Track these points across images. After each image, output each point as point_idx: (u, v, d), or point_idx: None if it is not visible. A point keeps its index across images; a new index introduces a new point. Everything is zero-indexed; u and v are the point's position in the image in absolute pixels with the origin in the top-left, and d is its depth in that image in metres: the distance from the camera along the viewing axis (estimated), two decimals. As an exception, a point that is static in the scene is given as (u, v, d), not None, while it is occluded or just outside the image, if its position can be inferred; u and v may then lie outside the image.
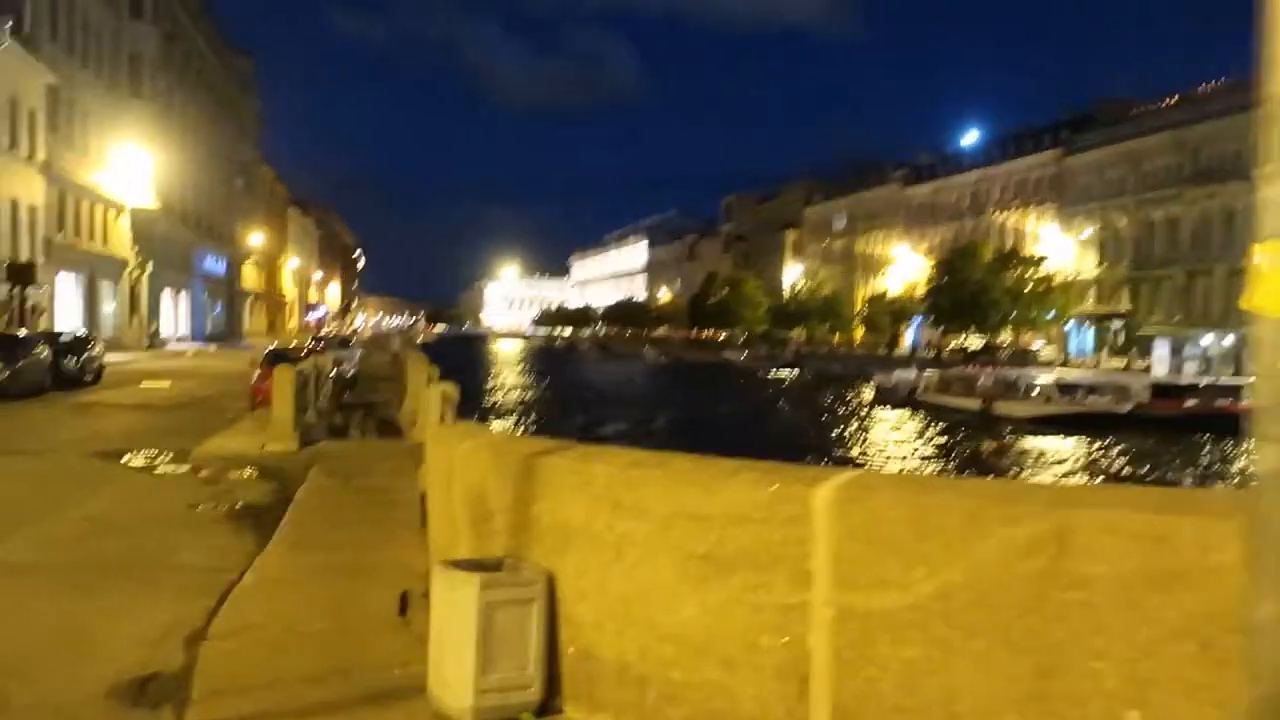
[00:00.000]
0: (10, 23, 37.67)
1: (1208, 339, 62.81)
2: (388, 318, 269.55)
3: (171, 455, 13.43)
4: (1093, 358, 71.07)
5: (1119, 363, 63.25)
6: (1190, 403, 40.71)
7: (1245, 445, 37.46)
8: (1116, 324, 73.11)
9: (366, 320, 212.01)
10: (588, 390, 64.09)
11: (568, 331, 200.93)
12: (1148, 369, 52.23)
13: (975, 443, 37.12)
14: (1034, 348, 72.34)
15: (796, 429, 41.35)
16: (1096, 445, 36.43)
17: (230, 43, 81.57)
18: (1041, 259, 70.51)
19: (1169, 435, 37.96)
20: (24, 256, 39.58)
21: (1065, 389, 43.26)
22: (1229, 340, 61.64)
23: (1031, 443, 37.65)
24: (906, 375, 55.16)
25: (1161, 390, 42.11)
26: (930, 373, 53.35)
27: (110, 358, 34.81)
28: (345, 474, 11.51)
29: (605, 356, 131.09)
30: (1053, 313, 70.57)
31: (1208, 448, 36.24)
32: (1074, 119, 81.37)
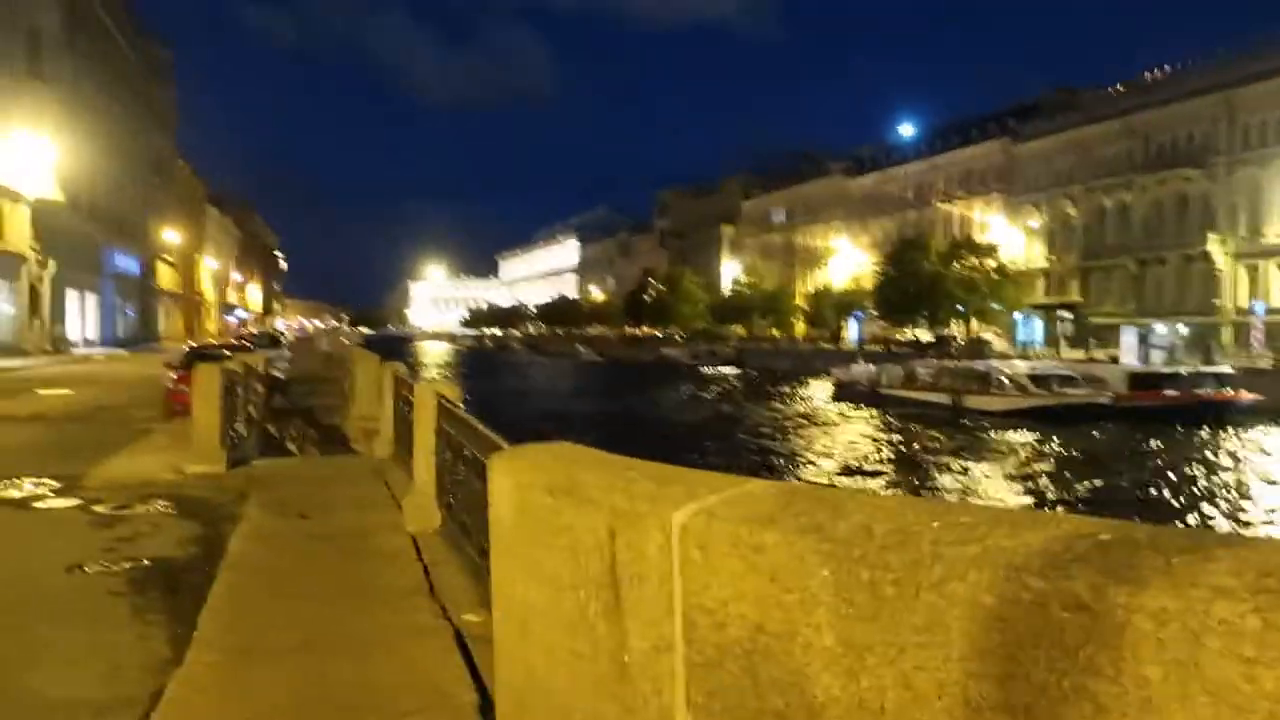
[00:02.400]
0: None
1: (1162, 328, 61.75)
2: (310, 321, 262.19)
3: (59, 483, 10.22)
4: (1045, 349, 69.81)
5: (1077, 354, 61.81)
6: (1170, 392, 39.03)
7: (1238, 434, 35.96)
8: (1065, 314, 72.06)
9: (288, 323, 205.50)
10: (525, 395, 60.28)
11: (499, 332, 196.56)
12: (1113, 359, 50.70)
13: (956, 440, 34.91)
14: (986, 339, 70.85)
15: (764, 433, 38.70)
16: (1068, 440, 34.23)
17: (146, 30, 76.53)
18: (994, 247, 69.10)
19: (1150, 427, 36.18)
20: (-97, 251, 35.26)
21: (1039, 381, 41.32)
22: (1183, 329, 60.67)
23: (1013, 439, 35.49)
24: (866, 369, 52.96)
25: (1140, 380, 40.34)
26: (892, 367, 51.17)
27: (6, 363, 30.99)
28: (296, 507, 8.44)
29: (538, 356, 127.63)
30: (998, 304, 69.06)
31: (1207, 438, 34.50)
32: (1020, 108, 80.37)
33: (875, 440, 36.44)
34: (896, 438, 36.63)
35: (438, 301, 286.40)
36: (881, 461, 30.48)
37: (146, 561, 6.74)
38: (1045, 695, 1.37)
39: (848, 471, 28.11)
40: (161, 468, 10.99)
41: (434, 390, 7.29)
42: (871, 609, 1.60)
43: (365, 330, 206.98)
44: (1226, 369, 41.95)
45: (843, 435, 37.82)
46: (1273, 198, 58.25)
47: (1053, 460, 30.77)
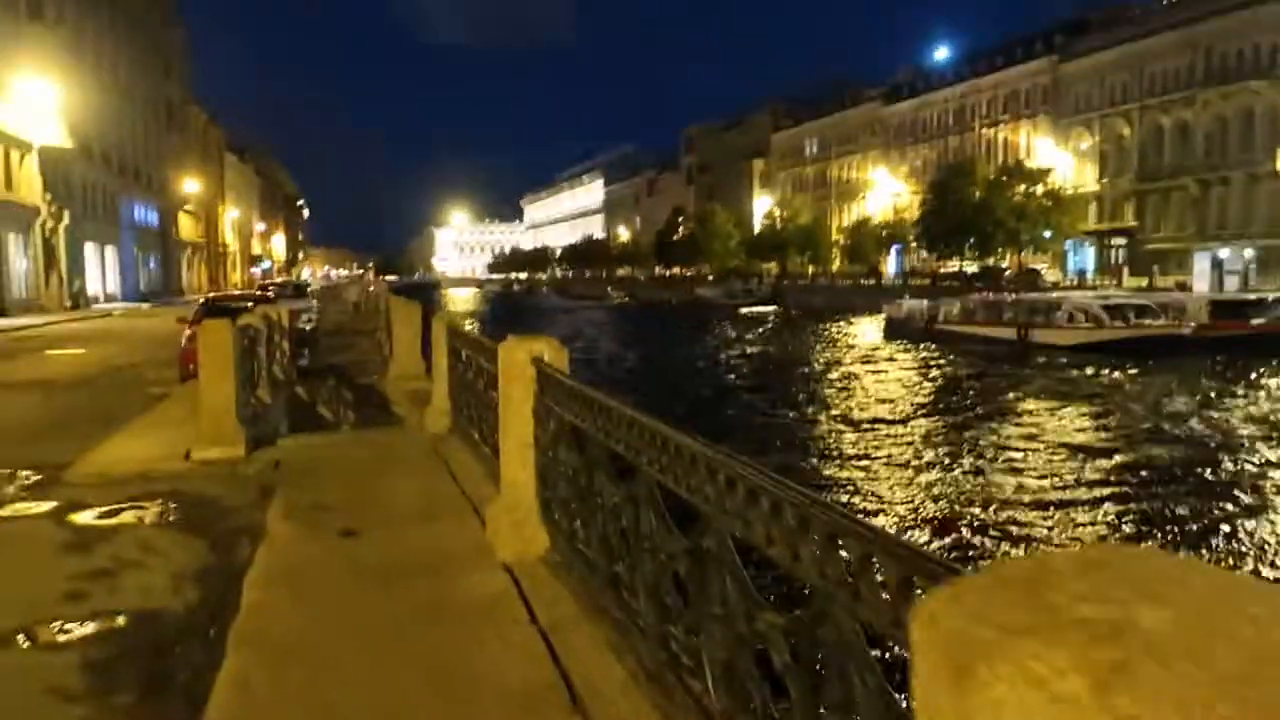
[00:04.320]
0: None
1: (1225, 252, 58.59)
2: (335, 270, 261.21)
3: (37, 476, 8.11)
4: (1096, 277, 66.74)
5: (1138, 281, 58.81)
6: (1257, 320, 36.32)
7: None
8: (1119, 240, 68.83)
9: (313, 273, 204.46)
10: (565, 343, 57.31)
11: (524, 276, 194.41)
12: (1180, 286, 47.75)
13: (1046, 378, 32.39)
14: (1039, 269, 67.85)
15: (831, 380, 36.07)
16: (1151, 375, 31.66)
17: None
18: (1048, 171, 65.68)
19: (1237, 358, 33.62)
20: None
21: (1113, 312, 38.61)
22: (1250, 252, 57.51)
23: (1093, 376, 32.91)
24: (917, 304, 50.28)
25: (1222, 308, 37.59)
26: (949, 301, 48.45)
27: (26, 321, 29.07)
28: (337, 514, 6.25)
29: (566, 300, 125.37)
30: (1050, 232, 65.65)
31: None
32: (1067, 24, 76.30)
33: (955, 381, 33.73)
34: (973, 378, 33.96)
35: (462, 247, 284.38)
36: (968, 408, 27.91)
37: (121, 619, 4.57)
38: None
39: (955, 428, 25.68)
40: (166, 451, 8.84)
41: (528, 351, 5.03)
42: None
43: (390, 278, 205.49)
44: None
45: (914, 377, 35.21)
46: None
47: (1149, 399, 28.18)
